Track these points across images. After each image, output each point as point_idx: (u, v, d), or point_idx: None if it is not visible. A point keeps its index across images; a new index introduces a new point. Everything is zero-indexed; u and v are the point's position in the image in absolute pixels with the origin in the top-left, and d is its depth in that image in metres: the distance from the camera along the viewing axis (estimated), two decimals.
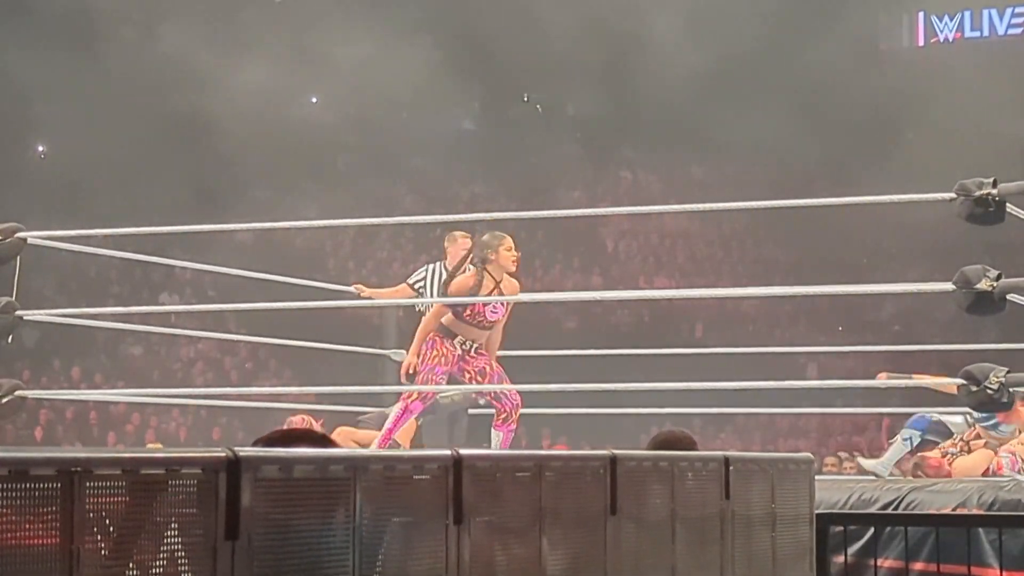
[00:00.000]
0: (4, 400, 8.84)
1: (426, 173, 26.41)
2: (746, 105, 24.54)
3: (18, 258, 8.68)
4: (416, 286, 9.96)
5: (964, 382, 6.88)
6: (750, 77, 25.01)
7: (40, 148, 27.40)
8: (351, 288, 10.62)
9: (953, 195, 7.01)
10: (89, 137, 22.67)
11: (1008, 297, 6.89)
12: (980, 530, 5.66)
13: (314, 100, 28.81)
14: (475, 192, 25.94)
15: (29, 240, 8.81)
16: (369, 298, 10.37)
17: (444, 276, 9.82)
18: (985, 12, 28.85)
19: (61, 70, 23.00)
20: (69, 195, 22.72)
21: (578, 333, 20.45)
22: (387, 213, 19.03)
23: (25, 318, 9.03)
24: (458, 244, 9.87)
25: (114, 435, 19.99)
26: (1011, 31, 28.44)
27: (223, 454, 2.69)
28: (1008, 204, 6.95)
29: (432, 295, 9.76)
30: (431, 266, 10.07)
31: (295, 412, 10.12)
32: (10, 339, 8.95)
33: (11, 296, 8.72)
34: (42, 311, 10.69)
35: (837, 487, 6.54)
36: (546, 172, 26.07)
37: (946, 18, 29.15)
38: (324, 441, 3.44)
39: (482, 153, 24.61)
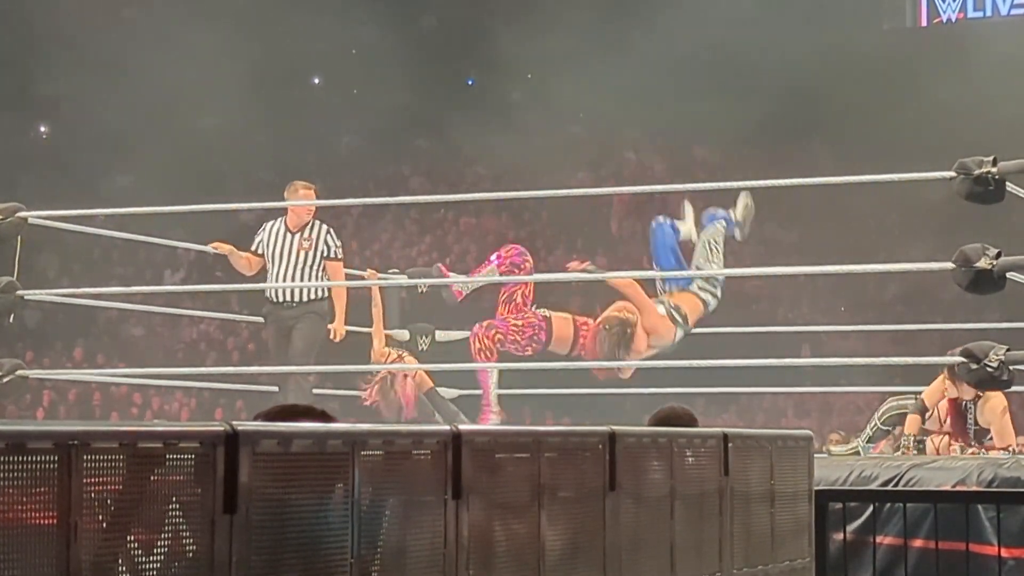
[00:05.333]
0: (5, 380, 8.85)
1: (430, 153, 26.39)
2: (748, 85, 24.50)
3: (19, 238, 8.68)
4: (258, 252, 9.65)
5: (964, 360, 6.89)
6: (752, 57, 24.95)
7: (42, 129, 27.38)
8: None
9: (953, 174, 7.01)
10: (92, 117, 22.66)
11: (1008, 276, 6.88)
12: (979, 508, 5.67)
13: (316, 81, 28.81)
14: (479, 173, 25.91)
15: (30, 220, 8.81)
16: (221, 253, 9.99)
17: (285, 232, 9.57)
18: None
19: (64, 50, 23.00)
20: (71, 176, 22.70)
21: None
22: (390, 193, 19.03)
23: (26, 298, 9.03)
24: (299, 196, 9.52)
25: (117, 416, 19.99)
26: (1014, 11, 28.36)
27: (221, 428, 2.70)
28: (1008, 183, 6.95)
29: (274, 253, 9.51)
30: (269, 225, 9.72)
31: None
32: (11, 319, 8.94)
33: (12, 276, 8.72)
34: (43, 291, 10.69)
35: (836, 464, 6.55)
36: (550, 153, 26.05)
37: None
38: (325, 418, 3.45)
39: (484, 134, 24.56)
